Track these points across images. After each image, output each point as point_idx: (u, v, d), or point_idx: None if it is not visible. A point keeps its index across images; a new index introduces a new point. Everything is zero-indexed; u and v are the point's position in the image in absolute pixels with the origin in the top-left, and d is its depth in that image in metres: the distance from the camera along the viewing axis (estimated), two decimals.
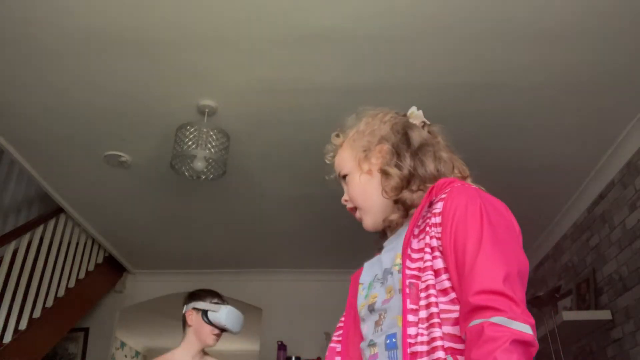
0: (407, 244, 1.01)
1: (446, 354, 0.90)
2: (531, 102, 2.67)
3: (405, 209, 1.11)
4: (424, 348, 0.91)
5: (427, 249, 0.99)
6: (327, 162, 1.28)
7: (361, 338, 1.14)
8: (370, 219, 1.17)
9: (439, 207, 1.02)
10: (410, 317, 0.94)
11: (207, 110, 2.76)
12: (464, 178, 1.14)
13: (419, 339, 0.92)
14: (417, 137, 1.16)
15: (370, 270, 1.17)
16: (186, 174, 2.86)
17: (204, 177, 2.88)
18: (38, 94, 2.72)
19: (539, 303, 3.13)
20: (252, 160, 3.26)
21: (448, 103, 2.68)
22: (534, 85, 2.56)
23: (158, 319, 6.05)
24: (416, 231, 1.03)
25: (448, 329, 0.92)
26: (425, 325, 0.93)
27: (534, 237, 3.97)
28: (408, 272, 0.98)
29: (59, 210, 4.01)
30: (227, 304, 2.24)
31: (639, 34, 2.24)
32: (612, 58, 2.38)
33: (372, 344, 1.05)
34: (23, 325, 3.57)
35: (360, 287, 1.18)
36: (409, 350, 0.92)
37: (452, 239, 0.96)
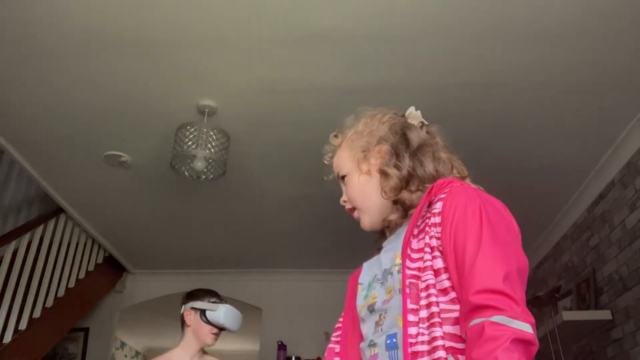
0: (406, 244, 1.01)
1: (447, 354, 0.90)
2: (531, 102, 2.67)
3: (404, 209, 1.11)
4: (425, 348, 0.91)
5: (427, 249, 0.99)
6: (326, 162, 1.28)
7: (360, 338, 1.13)
8: (368, 219, 1.17)
9: (438, 207, 1.02)
10: (411, 317, 0.94)
11: (207, 110, 2.76)
12: (462, 178, 1.14)
13: (420, 338, 0.92)
14: (415, 137, 1.16)
15: (369, 270, 1.17)
16: (186, 174, 2.86)
17: (204, 177, 2.88)
18: (38, 93, 2.72)
19: (539, 303, 3.13)
20: (252, 160, 3.26)
21: (448, 103, 2.68)
22: (534, 85, 2.56)
23: (158, 319, 6.05)
24: (415, 231, 1.03)
25: (448, 328, 0.92)
26: (426, 324, 0.93)
27: (534, 237, 3.97)
28: (408, 272, 0.98)
29: (59, 210, 4.01)
30: (225, 302, 2.24)
31: (639, 34, 2.24)
32: (612, 58, 2.38)
33: (372, 344, 1.05)
34: (23, 325, 3.57)
35: (360, 288, 1.17)
36: (409, 350, 0.92)
37: (452, 239, 0.96)
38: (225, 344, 6.80)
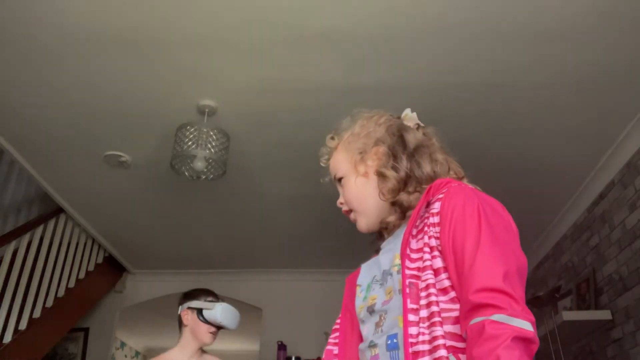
0: (405, 244, 1.01)
1: (448, 353, 0.90)
2: (531, 102, 2.67)
3: (402, 211, 1.11)
4: (426, 347, 0.91)
5: (426, 249, 0.99)
6: (322, 164, 1.27)
7: (358, 340, 1.13)
8: (365, 221, 1.17)
9: (436, 207, 1.02)
10: (411, 317, 0.94)
11: (207, 110, 2.76)
12: (459, 179, 1.14)
13: (421, 338, 0.92)
14: (412, 139, 1.16)
15: (368, 272, 1.17)
16: (186, 174, 2.86)
17: (204, 177, 2.88)
18: (38, 93, 2.72)
19: (539, 303, 3.13)
20: (252, 160, 3.26)
21: (448, 103, 2.68)
22: (534, 85, 2.56)
23: (158, 319, 6.05)
24: (414, 231, 1.03)
25: (449, 327, 0.92)
26: (427, 324, 0.93)
27: (534, 237, 3.97)
28: (407, 272, 0.98)
29: (59, 210, 4.01)
30: (222, 301, 2.25)
31: (639, 34, 2.24)
32: (612, 58, 2.38)
33: (372, 345, 1.05)
34: (23, 325, 3.57)
35: (358, 289, 1.17)
36: (410, 350, 0.92)
37: (451, 239, 0.96)
38: (226, 344, 6.81)
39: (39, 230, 3.85)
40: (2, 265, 3.47)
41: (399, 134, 1.17)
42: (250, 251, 4.60)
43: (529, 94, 2.62)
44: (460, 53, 2.40)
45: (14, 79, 2.62)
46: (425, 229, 1.01)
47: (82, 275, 4.32)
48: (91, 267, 4.48)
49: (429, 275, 0.96)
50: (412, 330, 0.93)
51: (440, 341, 0.90)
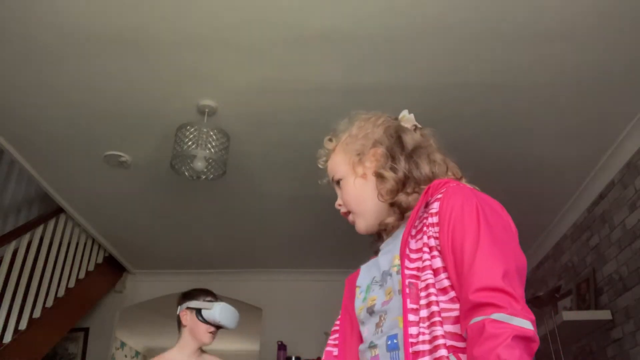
0: (404, 245, 1.01)
1: (448, 353, 0.90)
2: (531, 102, 2.67)
3: (400, 211, 1.11)
4: (426, 347, 0.91)
5: (426, 249, 0.99)
6: (320, 166, 1.28)
7: (358, 341, 1.14)
8: (363, 222, 1.17)
9: (435, 207, 1.02)
10: (411, 317, 0.94)
11: (207, 110, 2.76)
12: (458, 179, 1.14)
13: (421, 338, 0.92)
14: (410, 140, 1.16)
15: (367, 273, 1.17)
16: (186, 174, 2.86)
17: (204, 177, 2.88)
18: (38, 93, 2.72)
19: (539, 303, 3.13)
20: (252, 160, 3.26)
21: (448, 103, 2.68)
22: (534, 85, 2.56)
23: (158, 319, 6.05)
24: (413, 232, 1.04)
25: (449, 327, 0.93)
26: (427, 324, 0.93)
27: (534, 237, 3.97)
28: (407, 272, 0.98)
29: (59, 210, 4.01)
30: (221, 301, 2.25)
31: (639, 34, 2.24)
32: (612, 58, 2.38)
33: (372, 346, 1.05)
34: (23, 325, 3.57)
35: (358, 291, 1.17)
36: (410, 350, 0.92)
37: (450, 239, 0.96)
38: (226, 344, 6.81)
39: (39, 230, 3.85)
40: (2, 265, 3.47)
41: (397, 135, 1.17)
42: (250, 251, 4.60)
43: (529, 94, 2.62)
44: (460, 53, 2.40)
45: (14, 79, 2.62)
46: (425, 229, 1.01)
47: (82, 275, 4.32)
48: (91, 267, 4.48)
49: (428, 275, 0.97)
50: (412, 330, 0.93)
51: (441, 341, 0.90)
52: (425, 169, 1.12)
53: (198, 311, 2.19)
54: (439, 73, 2.52)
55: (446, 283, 0.96)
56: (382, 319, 1.05)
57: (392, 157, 1.14)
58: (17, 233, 3.70)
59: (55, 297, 3.97)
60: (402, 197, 1.10)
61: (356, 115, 1.25)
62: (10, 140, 3.12)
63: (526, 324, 0.84)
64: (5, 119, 2.92)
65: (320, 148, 1.28)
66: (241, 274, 4.93)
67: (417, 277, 0.98)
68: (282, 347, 4.49)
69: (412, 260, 1.00)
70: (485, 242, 0.93)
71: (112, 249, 4.58)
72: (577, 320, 3.03)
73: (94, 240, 4.47)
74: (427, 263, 0.98)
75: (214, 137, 2.74)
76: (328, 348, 1.21)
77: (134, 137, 3.06)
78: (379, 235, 1.19)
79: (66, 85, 2.66)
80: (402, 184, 1.11)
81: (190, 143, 2.70)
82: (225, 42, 2.38)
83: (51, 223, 3.96)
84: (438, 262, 0.97)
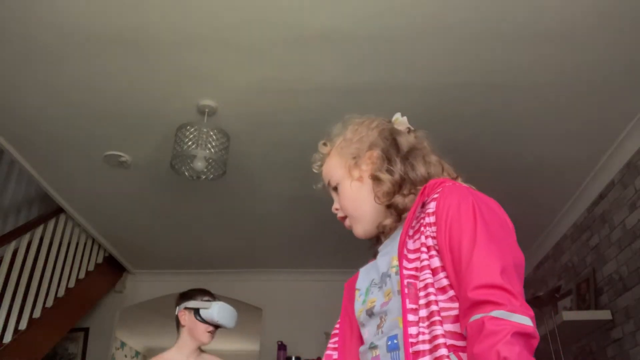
0: (402, 245, 1.01)
1: (448, 352, 0.90)
2: (531, 102, 2.67)
3: (397, 213, 1.11)
4: (426, 347, 0.91)
5: (423, 249, 0.99)
6: (315, 170, 1.28)
7: (358, 344, 1.14)
8: (361, 227, 1.18)
9: (432, 206, 1.02)
10: (411, 317, 0.94)
11: (207, 110, 2.76)
12: (453, 179, 1.14)
13: (421, 337, 0.92)
14: (405, 142, 1.17)
15: (366, 275, 1.18)
16: (186, 174, 2.86)
17: (204, 177, 2.88)
18: (38, 93, 2.72)
19: (539, 303, 3.13)
20: (252, 160, 3.26)
21: (448, 103, 2.68)
22: (534, 85, 2.56)
23: (158, 319, 6.05)
24: (411, 232, 1.04)
25: (449, 326, 0.93)
26: (426, 323, 0.93)
27: (534, 237, 3.96)
28: (405, 272, 0.98)
29: (59, 210, 4.01)
30: (219, 300, 2.25)
31: (639, 34, 2.24)
32: (612, 58, 2.38)
33: (373, 347, 1.05)
34: (23, 325, 3.57)
35: (357, 293, 1.18)
36: (411, 350, 0.92)
37: (447, 237, 0.97)
38: (226, 344, 6.81)
39: (39, 230, 3.85)
40: (2, 265, 3.47)
41: (392, 137, 1.17)
42: (250, 251, 4.60)
43: (529, 94, 2.62)
44: (460, 53, 2.40)
45: (14, 79, 2.62)
46: (422, 229, 1.02)
47: (82, 275, 4.32)
48: (91, 267, 4.48)
49: (427, 275, 0.97)
50: (412, 330, 0.93)
51: (441, 340, 0.90)
52: (421, 170, 1.13)
53: (196, 311, 2.20)
54: (439, 73, 2.52)
55: (445, 282, 0.96)
56: (383, 320, 1.05)
57: (388, 159, 1.14)
58: (17, 233, 3.70)
59: (55, 297, 3.97)
60: (398, 199, 1.10)
61: (350, 119, 1.25)
62: (10, 140, 3.12)
63: (526, 320, 0.84)
64: (5, 119, 2.92)
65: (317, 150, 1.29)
66: (241, 274, 4.93)
67: (416, 277, 0.98)
68: (282, 347, 4.50)
69: (410, 261, 1.00)
70: (482, 239, 0.93)
71: (112, 249, 4.58)
72: (577, 320, 3.03)
73: (94, 240, 4.47)
74: (426, 263, 0.98)
75: (214, 137, 2.74)
76: (328, 352, 1.22)
77: (134, 137, 3.06)
78: (377, 239, 1.19)
79: (66, 85, 2.66)
80: (399, 186, 1.11)
81: (190, 143, 2.71)
82: (225, 42, 2.38)
83: (51, 223, 3.97)
84: (436, 262, 0.97)
